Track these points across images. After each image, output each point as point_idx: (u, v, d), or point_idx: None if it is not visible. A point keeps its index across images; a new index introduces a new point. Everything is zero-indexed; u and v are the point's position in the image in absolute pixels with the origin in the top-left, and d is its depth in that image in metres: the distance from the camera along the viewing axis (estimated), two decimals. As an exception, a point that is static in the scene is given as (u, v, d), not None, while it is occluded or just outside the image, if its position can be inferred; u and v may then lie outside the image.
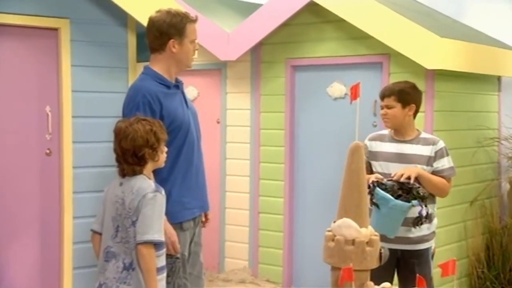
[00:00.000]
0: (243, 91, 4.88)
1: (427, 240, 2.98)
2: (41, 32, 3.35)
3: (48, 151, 3.43)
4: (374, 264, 2.07)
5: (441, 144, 2.96)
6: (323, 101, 4.54)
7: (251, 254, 4.84)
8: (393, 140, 3.00)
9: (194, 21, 2.67)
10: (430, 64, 3.88)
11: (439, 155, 2.93)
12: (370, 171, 3.00)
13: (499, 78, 4.78)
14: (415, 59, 3.91)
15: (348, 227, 2.09)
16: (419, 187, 2.80)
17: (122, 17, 3.56)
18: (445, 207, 4.21)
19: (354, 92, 2.14)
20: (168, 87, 2.66)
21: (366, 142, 3.06)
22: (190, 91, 5.23)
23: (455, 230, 4.34)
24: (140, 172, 2.38)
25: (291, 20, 4.54)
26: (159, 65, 2.69)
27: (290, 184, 4.66)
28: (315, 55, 4.49)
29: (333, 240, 2.11)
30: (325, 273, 3.02)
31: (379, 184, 2.80)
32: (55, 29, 3.38)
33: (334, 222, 2.23)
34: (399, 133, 3.01)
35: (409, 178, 2.81)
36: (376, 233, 2.14)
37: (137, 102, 2.55)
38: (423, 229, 2.91)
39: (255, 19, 4.64)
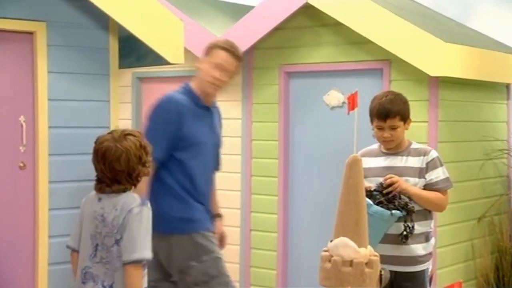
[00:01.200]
0: (234, 99, 4.88)
1: (422, 262, 2.89)
2: (15, 36, 3.34)
3: (22, 165, 3.41)
4: (374, 287, 2.07)
5: (433, 153, 2.92)
6: (319, 110, 4.55)
7: (242, 275, 4.82)
8: (382, 153, 2.98)
9: (227, 50, 3.05)
10: (434, 70, 3.91)
11: (431, 166, 2.89)
12: None
13: (507, 86, 4.82)
14: (418, 66, 3.93)
15: (345, 246, 2.09)
16: (405, 199, 2.79)
17: (103, 20, 3.56)
18: (450, 224, 4.22)
19: (352, 102, 2.14)
20: (197, 105, 3.01)
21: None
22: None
23: (461, 249, 4.34)
24: (131, 190, 2.35)
25: (285, 24, 4.56)
26: (195, 83, 3.08)
27: (284, 200, 4.65)
28: (311, 61, 4.50)
29: (329, 261, 2.11)
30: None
31: (379, 186, 2.85)
32: (31, 33, 3.37)
33: (331, 241, 2.23)
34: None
35: (392, 185, 2.81)
36: (376, 254, 2.14)
37: (162, 108, 2.96)
38: (418, 249, 2.85)
39: (246, 22, 4.66)
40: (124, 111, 5.10)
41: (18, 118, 3.39)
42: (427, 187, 2.87)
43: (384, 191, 2.79)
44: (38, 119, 3.40)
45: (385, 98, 2.92)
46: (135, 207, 2.28)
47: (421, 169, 2.87)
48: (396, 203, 2.73)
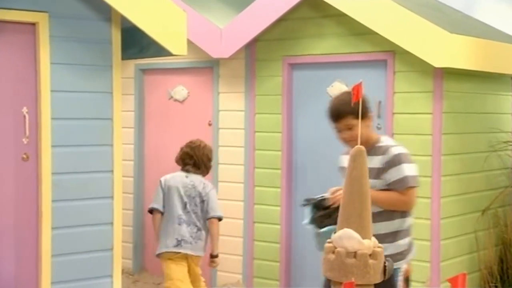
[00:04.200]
0: (237, 91, 4.88)
1: (393, 260, 2.78)
2: (18, 27, 3.34)
3: (24, 156, 3.42)
4: (378, 279, 2.07)
5: (393, 151, 2.77)
6: (323, 102, 4.51)
7: (245, 267, 4.84)
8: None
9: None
10: (439, 62, 3.89)
11: (389, 165, 2.75)
12: None
13: (512, 77, 4.80)
14: (422, 57, 3.92)
15: (349, 238, 2.09)
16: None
17: (105, 11, 3.55)
18: (454, 216, 4.22)
19: (356, 93, 2.14)
20: None
21: (341, 156, 3.01)
22: (180, 91, 5.23)
23: (465, 241, 4.34)
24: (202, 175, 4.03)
25: (288, 15, 4.55)
26: None
27: (287, 192, 4.66)
28: (314, 53, 4.49)
29: (333, 252, 2.11)
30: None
31: (315, 200, 2.78)
32: (33, 24, 3.37)
33: (335, 232, 2.23)
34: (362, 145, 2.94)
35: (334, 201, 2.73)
36: (380, 245, 2.14)
37: None
38: (388, 248, 2.65)
39: (249, 13, 4.65)
40: (126, 102, 5.10)
41: (21, 109, 3.39)
42: (388, 187, 2.76)
43: (327, 205, 2.72)
44: (41, 111, 3.41)
45: (337, 99, 2.88)
46: (212, 186, 4.04)
47: (379, 169, 2.76)
48: (335, 216, 2.63)
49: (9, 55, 3.35)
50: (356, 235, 2.10)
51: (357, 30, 4.24)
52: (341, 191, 2.57)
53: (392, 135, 4.19)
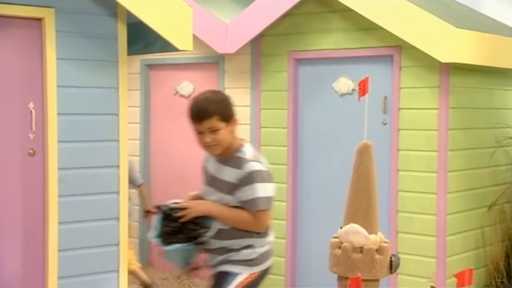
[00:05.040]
0: (242, 87, 4.87)
1: (231, 263, 2.58)
2: (24, 23, 3.34)
3: (31, 151, 3.43)
4: (384, 274, 2.08)
5: (249, 167, 2.47)
6: (328, 97, 4.53)
7: (251, 263, 4.84)
8: (217, 158, 2.60)
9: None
10: (445, 57, 3.88)
11: (242, 182, 2.48)
12: None
13: (519, 72, 4.78)
14: (429, 52, 3.90)
15: (356, 233, 2.09)
16: (198, 231, 2.50)
17: (111, 7, 3.55)
18: (460, 212, 4.21)
19: (363, 88, 2.14)
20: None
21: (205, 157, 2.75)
22: (185, 87, 5.23)
23: (471, 237, 4.33)
24: None
25: (294, 10, 4.54)
26: None
27: (293, 187, 4.66)
28: (320, 48, 4.48)
29: (339, 247, 2.12)
30: (330, 283, 3.02)
31: (165, 208, 2.52)
32: (39, 19, 3.37)
33: (341, 228, 2.23)
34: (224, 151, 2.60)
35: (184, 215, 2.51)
36: (387, 240, 2.14)
37: None
38: (233, 255, 2.57)
39: (255, 9, 4.64)
40: (132, 98, 5.11)
41: (27, 105, 3.40)
42: (239, 204, 2.52)
43: (177, 218, 2.50)
44: (47, 106, 3.41)
45: (201, 96, 2.55)
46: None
47: (234, 185, 2.50)
48: (181, 235, 2.48)
49: (15, 50, 3.35)
50: (362, 230, 2.10)
51: (363, 25, 4.23)
52: (193, 203, 2.51)
53: (398, 130, 4.18)
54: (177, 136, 5.29)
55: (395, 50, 4.17)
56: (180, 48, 3.63)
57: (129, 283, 3.94)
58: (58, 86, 3.43)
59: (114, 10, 3.58)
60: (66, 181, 3.45)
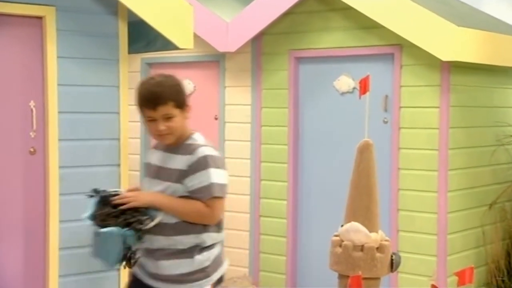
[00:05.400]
0: (243, 85, 4.87)
1: (186, 281, 2.30)
2: (25, 21, 3.34)
3: (32, 150, 3.43)
4: (385, 272, 2.08)
5: (200, 152, 2.28)
6: (329, 95, 4.53)
7: (252, 261, 4.84)
8: (163, 147, 2.41)
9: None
10: (446, 55, 3.87)
11: (193, 168, 2.27)
12: None
13: (520, 71, 4.77)
14: (430, 50, 3.90)
15: (356, 231, 2.10)
16: (136, 217, 2.24)
17: (112, 5, 3.55)
18: (461, 210, 4.21)
19: (364, 86, 2.14)
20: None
21: (149, 151, 2.59)
22: (186, 85, 5.22)
23: (472, 235, 4.33)
24: None
25: (294, 8, 4.53)
26: None
27: (293, 186, 4.66)
28: (321, 46, 4.48)
29: (340, 245, 2.12)
30: (331, 281, 3.02)
31: (104, 193, 2.31)
32: (40, 18, 3.37)
33: (342, 226, 2.23)
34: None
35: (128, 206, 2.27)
36: (387, 238, 2.14)
37: None
38: (182, 266, 2.30)
39: (256, 7, 4.63)
40: (133, 97, 5.10)
41: (28, 103, 3.40)
42: (190, 194, 2.29)
43: (115, 203, 2.28)
44: (48, 104, 3.41)
45: (152, 81, 2.35)
46: None
47: (181, 172, 2.28)
48: (121, 219, 2.23)
49: (16, 49, 3.36)
50: (363, 228, 2.10)
51: (364, 24, 4.22)
52: (136, 193, 2.30)
53: (399, 129, 4.18)
54: (178, 135, 5.29)
55: (396, 48, 4.16)
56: (181, 47, 3.64)
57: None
58: (58, 85, 3.43)
59: (115, 8, 3.58)
60: (65, 179, 3.45)
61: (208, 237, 2.31)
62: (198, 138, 2.36)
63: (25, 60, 3.39)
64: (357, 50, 4.32)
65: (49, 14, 3.37)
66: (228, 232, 4.97)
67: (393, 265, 2.12)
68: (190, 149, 2.30)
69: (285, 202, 4.67)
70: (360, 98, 2.24)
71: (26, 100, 3.40)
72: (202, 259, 2.30)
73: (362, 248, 2.07)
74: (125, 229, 2.21)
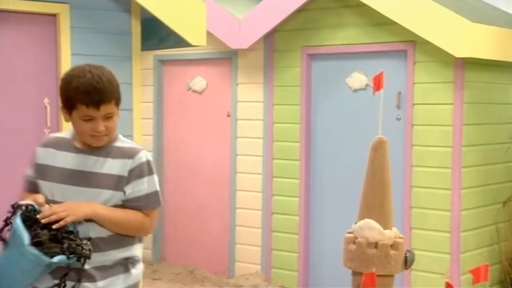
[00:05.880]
0: (255, 82, 4.87)
1: None
2: (39, 18, 3.37)
3: (46, 147, 3.45)
4: (399, 269, 2.07)
5: (142, 157, 2.04)
6: (341, 92, 4.52)
7: (264, 258, 4.85)
8: (73, 148, 2.07)
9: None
10: (460, 52, 3.85)
11: (135, 175, 2.02)
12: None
13: (535, 67, 4.73)
14: (443, 47, 3.87)
15: (370, 228, 2.09)
16: (81, 241, 1.91)
17: (125, 2, 3.57)
18: (474, 208, 4.18)
19: (378, 83, 2.13)
20: None
21: (37, 148, 2.14)
22: (198, 82, 5.24)
23: (486, 233, 4.31)
24: None
25: (307, 5, 4.52)
26: None
27: (305, 183, 4.65)
28: (334, 43, 4.47)
29: (354, 242, 2.11)
30: (344, 278, 3.02)
31: (28, 209, 1.91)
32: (54, 15, 3.39)
33: (355, 223, 2.23)
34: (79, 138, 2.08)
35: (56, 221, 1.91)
36: (401, 236, 2.14)
37: None
38: (119, 283, 2.07)
39: (268, 4, 4.63)
40: (145, 93, 5.12)
41: (42, 100, 3.42)
42: (126, 203, 2.03)
43: (49, 226, 1.89)
44: (62, 102, 3.43)
45: (91, 74, 1.99)
46: None
47: (120, 178, 2.01)
48: (66, 245, 1.88)
49: (30, 46, 3.38)
50: (377, 225, 2.10)
51: (377, 20, 4.20)
52: (67, 206, 1.93)
53: (412, 126, 4.16)
54: (190, 131, 5.30)
55: (409, 45, 4.14)
56: (194, 44, 3.64)
57: (144, 277, 3.95)
58: (72, 82, 3.44)
59: (128, 6, 3.59)
60: None
61: (138, 249, 2.11)
62: (125, 139, 2.11)
63: (39, 57, 3.41)
64: (370, 47, 4.31)
65: (63, 12, 3.39)
66: (241, 229, 5.00)
67: (407, 263, 2.11)
68: (127, 153, 2.03)
69: (297, 199, 4.67)
70: (374, 94, 2.23)
71: (41, 97, 3.43)
72: (137, 272, 2.09)
73: (376, 245, 2.06)
74: (71, 256, 1.87)
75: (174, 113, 5.40)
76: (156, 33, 3.88)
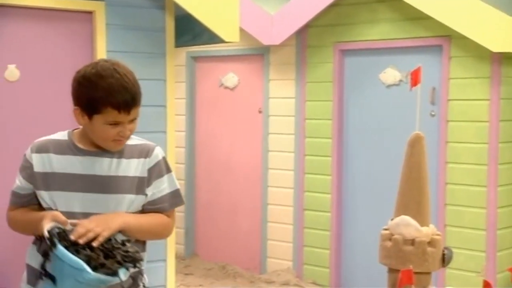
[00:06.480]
0: (287, 78, 4.86)
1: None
2: (75, 16, 3.41)
3: (82, 142, 3.49)
4: (436, 267, 2.04)
5: (158, 154, 1.88)
6: (375, 88, 4.48)
7: (296, 254, 4.84)
8: (77, 150, 1.86)
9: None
10: (497, 46, 3.77)
11: (155, 174, 1.86)
12: (39, 205, 1.87)
13: None
14: (480, 41, 3.81)
15: (407, 225, 2.07)
16: (125, 246, 1.77)
17: (159, 0, 3.59)
18: (511, 205, 4.10)
19: (415, 78, 2.10)
20: None
21: (29, 155, 1.90)
22: (230, 78, 5.25)
23: (523, 231, 4.22)
24: None
25: (340, 0, 4.49)
26: None
27: (338, 179, 4.63)
28: (367, 38, 4.43)
29: (390, 239, 2.09)
30: (376, 275, 2.99)
31: (61, 235, 1.71)
32: (90, 12, 3.43)
33: (392, 219, 2.20)
34: (90, 139, 1.87)
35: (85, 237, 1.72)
36: (439, 233, 2.11)
37: None
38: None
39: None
40: (178, 90, 5.16)
41: (78, 97, 3.46)
42: (147, 206, 1.86)
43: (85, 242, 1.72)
44: (98, 98, 3.47)
45: (118, 74, 1.78)
46: None
47: (140, 179, 1.84)
48: (119, 256, 1.73)
49: (66, 43, 3.42)
50: (413, 222, 2.07)
51: (412, 15, 4.15)
52: (98, 220, 1.75)
53: (446, 122, 4.10)
54: (222, 128, 5.32)
55: (444, 40, 4.08)
56: (227, 40, 3.64)
57: (177, 272, 3.99)
58: (108, 78, 3.48)
59: (162, 2, 3.61)
60: None
61: (146, 256, 1.93)
62: (133, 136, 1.90)
63: (76, 55, 3.45)
64: (404, 42, 4.26)
65: (99, 9, 3.42)
66: (272, 225, 5.00)
67: (445, 260, 2.08)
68: (141, 151, 1.86)
69: (329, 195, 4.64)
70: (411, 90, 2.21)
71: (77, 93, 3.46)
72: (146, 281, 1.92)
73: (412, 242, 2.04)
74: (130, 265, 1.75)
75: (206, 110, 5.42)
76: (189, 30, 3.90)
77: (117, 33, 3.48)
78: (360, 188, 4.58)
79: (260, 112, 5.05)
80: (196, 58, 5.42)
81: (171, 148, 3.71)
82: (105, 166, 1.82)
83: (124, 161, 1.83)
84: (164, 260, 3.69)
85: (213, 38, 3.69)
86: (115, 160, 1.82)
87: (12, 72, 3.28)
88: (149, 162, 1.85)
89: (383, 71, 4.42)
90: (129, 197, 1.81)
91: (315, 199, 4.72)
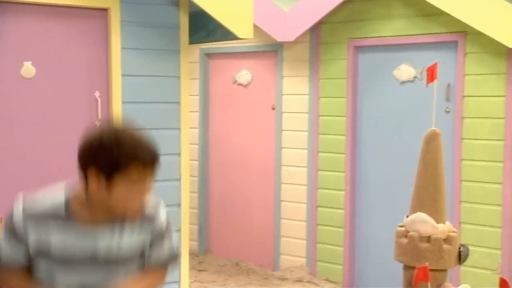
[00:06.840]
0: (301, 75, 4.85)
1: None
2: (90, 13, 3.43)
3: (97, 139, 3.51)
4: (453, 264, 2.03)
5: (162, 213, 1.82)
6: (389, 85, 4.45)
7: (309, 251, 4.84)
8: (80, 216, 1.69)
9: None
10: (513, 42, 3.74)
11: (160, 236, 1.80)
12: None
13: None
14: (496, 37, 3.77)
15: (423, 222, 2.05)
16: None
17: (173, -4, 3.60)
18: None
19: (431, 74, 2.09)
20: None
21: (24, 222, 1.68)
22: (244, 75, 5.25)
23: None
24: None
25: (354, -4, 4.47)
26: None
27: (351, 176, 4.61)
28: (381, 35, 4.40)
29: (405, 236, 2.08)
30: (390, 272, 2.98)
31: None
32: (105, 9, 3.45)
33: (407, 216, 2.19)
34: (94, 209, 1.70)
35: None
36: (455, 230, 2.09)
37: None
38: None
39: (314, -5, 4.59)
40: (191, 87, 5.16)
41: (93, 93, 3.49)
42: (147, 265, 1.83)
43: None
44: (112, 95, 3.49)
45: (138, 134, 1.66)
46: None
47: (143, 242, 1.78)
48: None
49: (82, 40, 3.44)
50: (429, 219, 2.06)
51: (426, 11, 4.12)
52: None
53: (462, 118, 4.07)
54: (236, 125, 5.32)
55: (459, 36, 4.04)
56: (241, 37, 3.64)
57: (190, 268, 4.00)
58: (122, 75, 3.50)
59: (176, -1, 3.62)
60: None
61: None
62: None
63: (91, 51, 3.47)
64: (418, 38, 4.23)
65: (114, 6, 3.43)
66: (286, 222, 5.00)
67: (461, 257, 2.07)
68: (149, 214, 1.76)
69: (342, 192, 4.63)
70: (427, 86, 2.19)
71: (92, 90, 3.49)
72: None
73: (428, 239, 2.02)
74: None
75: (220, 106, 5.43)
76: (203, 27, 3.90)
77: (132, 30, 3.49)
78: (374, 185, 4.56)
79: (273, 109, 5.04)
80: (209, 55, 5.43)
81: (185, 145, 3.72)
82: (108, 233, 1.71)
83: (127, 224, 1.72)
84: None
85: (227, 35, 3.69)
86: (117, 225, 1.71)
87: (28, 69, 3.31)
88: (155, 224, 1.78)
89: (398, 68, 4.39)
90: (134, 264, 1.77)
91: (329, 196, 4.71)
